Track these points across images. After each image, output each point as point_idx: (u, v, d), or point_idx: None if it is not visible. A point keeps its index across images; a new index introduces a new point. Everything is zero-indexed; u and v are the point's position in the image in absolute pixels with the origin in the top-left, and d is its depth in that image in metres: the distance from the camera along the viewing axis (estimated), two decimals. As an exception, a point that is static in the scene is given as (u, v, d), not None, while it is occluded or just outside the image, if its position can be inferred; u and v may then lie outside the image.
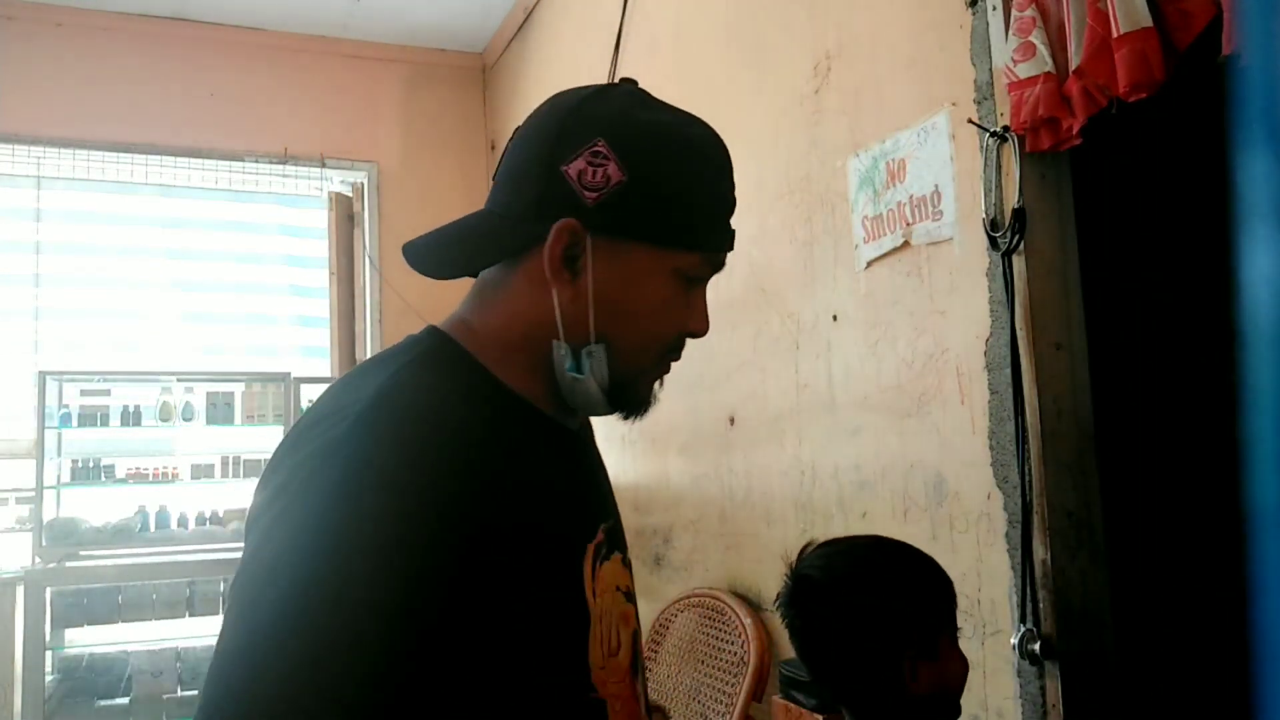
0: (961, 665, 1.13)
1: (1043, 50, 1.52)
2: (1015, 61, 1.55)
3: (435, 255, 0.85)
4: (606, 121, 0.78)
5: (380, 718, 0.62)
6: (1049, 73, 1.51)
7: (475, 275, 0.87)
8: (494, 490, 0.71)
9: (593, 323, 0.78)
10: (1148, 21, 1.34)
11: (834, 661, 1.12)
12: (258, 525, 0.69)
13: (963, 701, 1.75)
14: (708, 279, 0.85)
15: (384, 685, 0.63)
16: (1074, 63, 1.45)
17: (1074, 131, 1.49)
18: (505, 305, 0.82)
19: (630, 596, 0.86)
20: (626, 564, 0.89)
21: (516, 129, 0.83)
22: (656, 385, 0.87)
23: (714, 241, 0.83)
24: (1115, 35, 1.36)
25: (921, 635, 1.09)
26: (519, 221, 0.79)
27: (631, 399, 0.84)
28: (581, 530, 0.80)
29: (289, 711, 0.60)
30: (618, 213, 0.76)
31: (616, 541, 0.87)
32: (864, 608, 1.10)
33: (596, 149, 0.76)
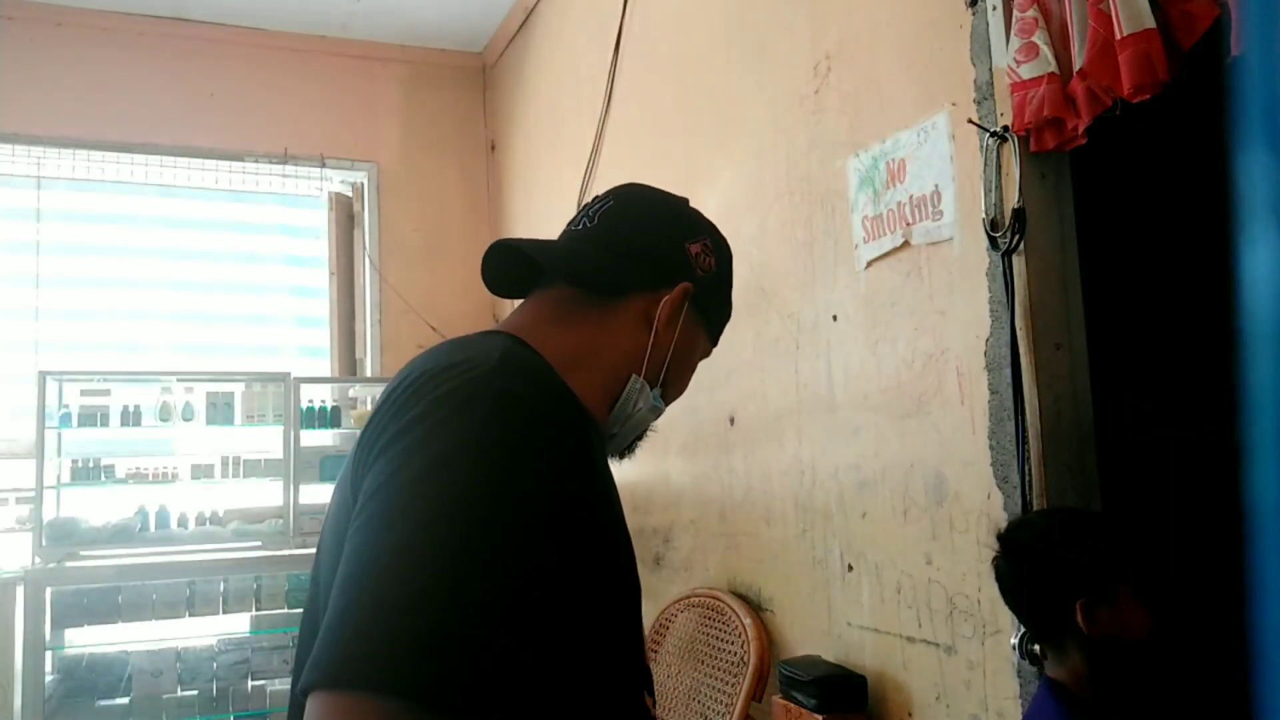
0: (1140, 615, 1.23)
1: (1046, 51, 1.52)
2: (1018, 62, 1.56)
3: (545, 256, 0.95)
4: (710, 227, 1.03)
5: (523, 628, 0.64)
6: (1053, 73, 1.51)
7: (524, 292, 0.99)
8: (597, 457, 0.82)
9: (665, 368, 0.96)
10: (1150, 23, 1.34)
11: (1027, 607, 1.31)
12: (392, 449, 0.70)
13: (962, 701, 1.75)
14: None
15: (527, 597, 0.65)
16: (1078, 63, 1.45)
17: (1079, 131, 1.49)
18: (591, 329, 0.93)
19: None
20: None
21: (610, 198, 0.99)
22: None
23: (718, 338, 1.06)
24: (1118, 37, 1.36)
25: (1095, 582, 1.24)
26: (640, 269, 0.95)
27: (634, 442, 1.02)
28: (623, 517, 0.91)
29: (452, 606, 0.61)
30: (706, 293, 0.99)
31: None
32: (1040, 558, 1.29)
33: (707, 242, 1.00)
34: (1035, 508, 1.58)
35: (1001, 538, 1.36)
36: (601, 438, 0.94)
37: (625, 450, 1.02)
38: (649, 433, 1.02)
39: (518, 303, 1.00)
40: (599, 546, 0.77)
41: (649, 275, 0.95)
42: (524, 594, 0.65)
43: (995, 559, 1.37)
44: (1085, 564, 1.25)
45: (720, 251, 1.02)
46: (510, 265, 0.98)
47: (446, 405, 0.71)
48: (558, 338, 0.91)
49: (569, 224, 1.00)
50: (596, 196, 1.02)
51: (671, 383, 0.98)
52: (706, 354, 1.05)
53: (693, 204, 1.05)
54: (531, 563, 0.66)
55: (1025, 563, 1.30)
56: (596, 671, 0.77)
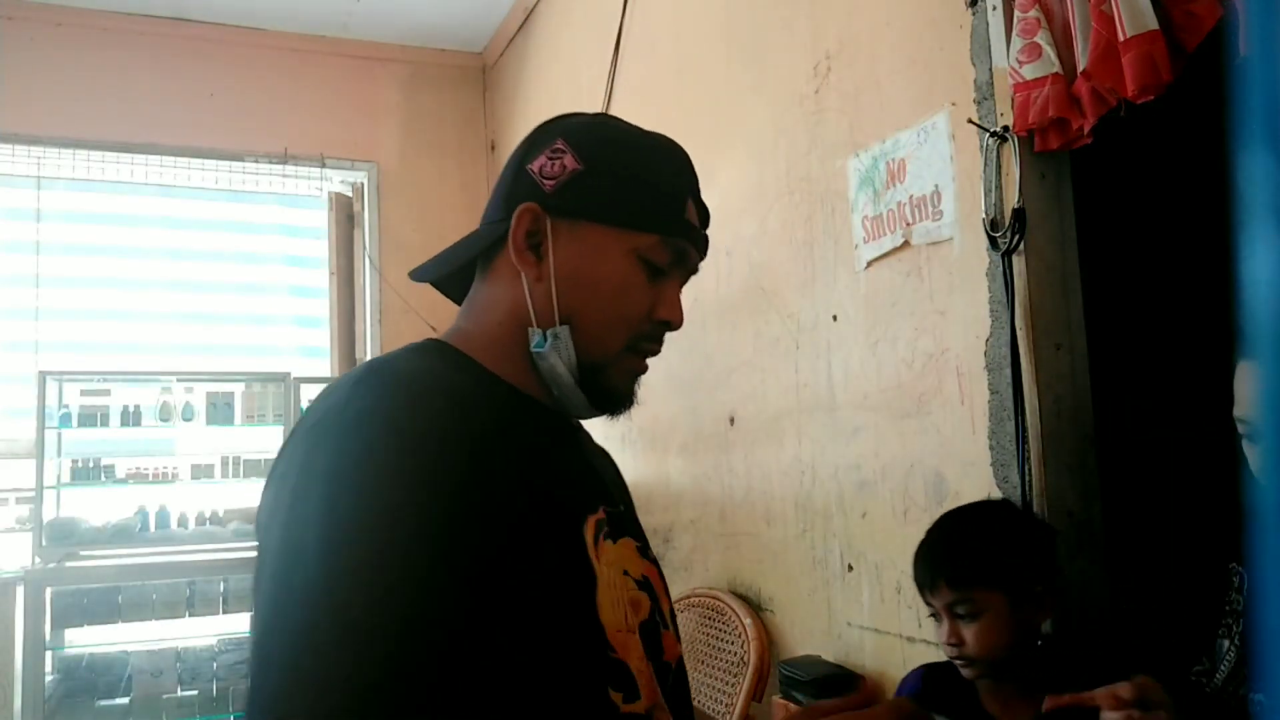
0: (1049, 611, 1.35)
1: (1049, 51, 1.52)
2: (1020, 62, 1.55)
3: (435, 271, 0.94)
4: (568, 126, 0.88)
5: (423, 676, 0.63)
6: (1057, 73, 1.51)
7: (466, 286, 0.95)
8: (491, 448, 0.74)
9: (556, 302, 0.84)
10: (1153, 24, 1.34)
11: (970, 573, 1.30)
12: (275, 519, 0.70)
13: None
14: (676, 272, 0.90)
15: (421, 650, 0.64)
16: (1081, 64, 1.45)
17: (1085, 132, 1.49)
18: (488, 304, 0.88)
19: (644, 585, 0.86)
20: (647, 556, 0.90)
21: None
22: (636, 383, 0.90)
23: (671, 226, 0.87)
24: (1121, 38, 1.36)
25: (1035, 575, 1.33)
26: (491, 222, 0.89)
27: (604, 388, 0.87)
28: (578, 501, 0.82)
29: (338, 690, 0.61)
30: (573, 195, 0.84)
31: (626, 527, 0.87)
32: (1015, 537, 1.35)
33: (556, 147, 0.86)
34: (1035, 508, 1.58)
35: (968, 511, 1.42)
36: (541, 411, 0.86)
37: (608, 402, 0.89)
38: (629, 378, 0.89)
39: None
40: (516, 546, 0.72)
41: (499, 223, 0.87)
42: (415, 645, 0.63)
43: (946, 530, 1.39)
44: (1031, 557, 1.33)
45: (588, 141, 0.86)
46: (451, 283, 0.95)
47: (310, 459, 0.70)
48: (479, 320, 0.88)
49: None
50: None
51: (581, 309, 0.84)
52: (663, 249, 0.87)
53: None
54: (415, 612, 0.64)
55: (1003, 537, 1.34)
56: (539, 676, 0.72)
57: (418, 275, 0.94)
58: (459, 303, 0.94)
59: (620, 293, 0.85)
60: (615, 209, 0.85)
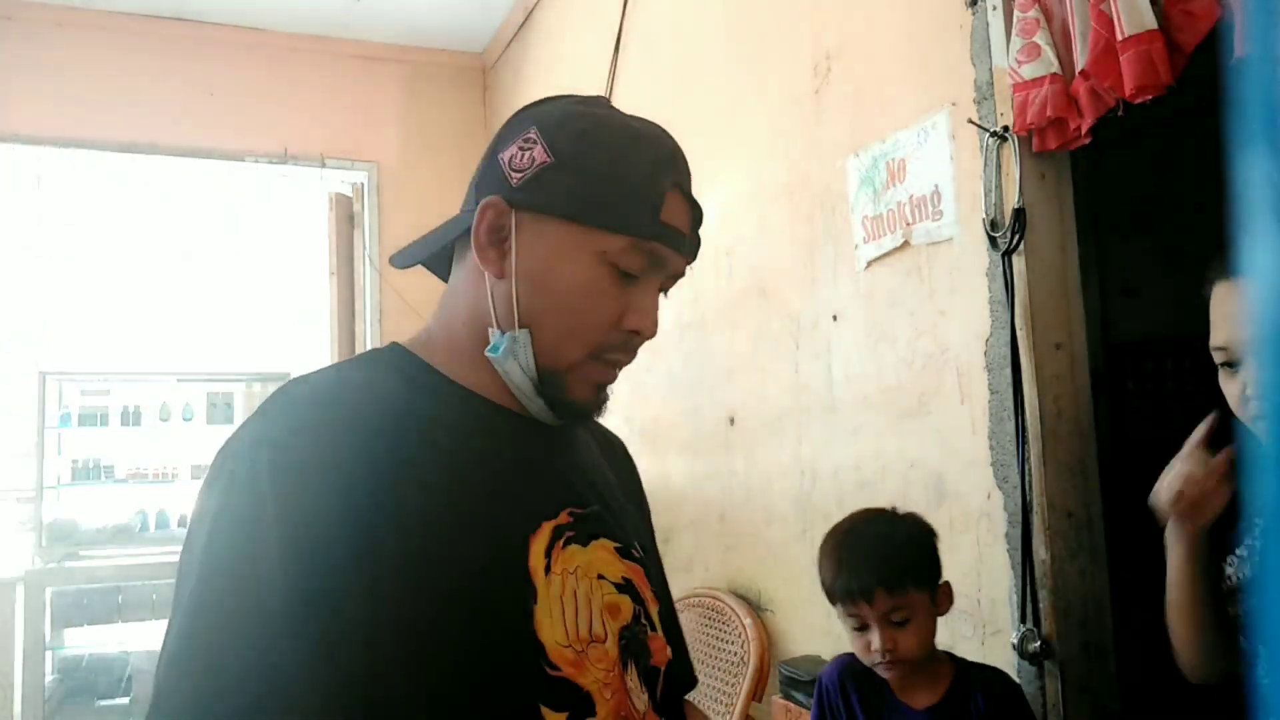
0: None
1: (1048, 51, 1.52)
2: (1020, 62, 1.55)
3: (414, 257, 0.92)
4: (542, 114, 0.82)
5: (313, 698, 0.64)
6: (1055, 73, 1.51)
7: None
8: (383, 471, 0.71)
9: (516, 304, 0.79)
10: (1152, 24, 1.34)
11: (900, 569, 1.33)
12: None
13: (963, 701, 1.75)
14: (652, 277, 0.82)
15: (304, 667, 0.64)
16: (1080, 64, 1.45)
17: (1083, 132, 1.49)
18: (453, 300, 0.85)
19: (624, 588, 0.83)
20: (629, 557, 0.86)
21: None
22: (602, 392, 0.84)
23: (644, 228, 0.79)
24: (1120, 38, 1.36)
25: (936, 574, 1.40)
26: (465, 211, 0.85)
27: (562, 395, 0.81)
28: (528, 506, 0.78)
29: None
30: (539, 190, 0.78)
31: (601, 528, 0.84)
32: (926, 539, 1.40)
33: (528, 136, 0.80)
34: (1035, 508, 1.58)
35: (885, 514, 1.44)
36: (491, 411, 0.81)
37: (567, 410, 0.83)
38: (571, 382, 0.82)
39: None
40: (402, 574, 0.68)
41: (468, 215, 0.82)
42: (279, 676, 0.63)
43: (868, 524, 1.42)
44: (935, 555, 1.40)
45: (562, 132, 0.79)
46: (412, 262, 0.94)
47: (204, 479, 0.76)
48: (443, 321, 0.86)
49: None
50: None
51: (541, 312, 0.79)
52: (631, 253, 0.79)
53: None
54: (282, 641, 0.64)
55: (929, 535, 1.40)
56: (447, 703, 0.69)
57: (398, 261, 0.92)
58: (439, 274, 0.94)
59: (584, 297, 0.78)
60: (583, 207, 0.78)
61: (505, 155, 0.81)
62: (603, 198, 0.78)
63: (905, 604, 1.31)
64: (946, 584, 1.39)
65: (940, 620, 1.41)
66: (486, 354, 0.80)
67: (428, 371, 0.82)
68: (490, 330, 0.80)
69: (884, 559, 1.33)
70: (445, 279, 0.90)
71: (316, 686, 0.64)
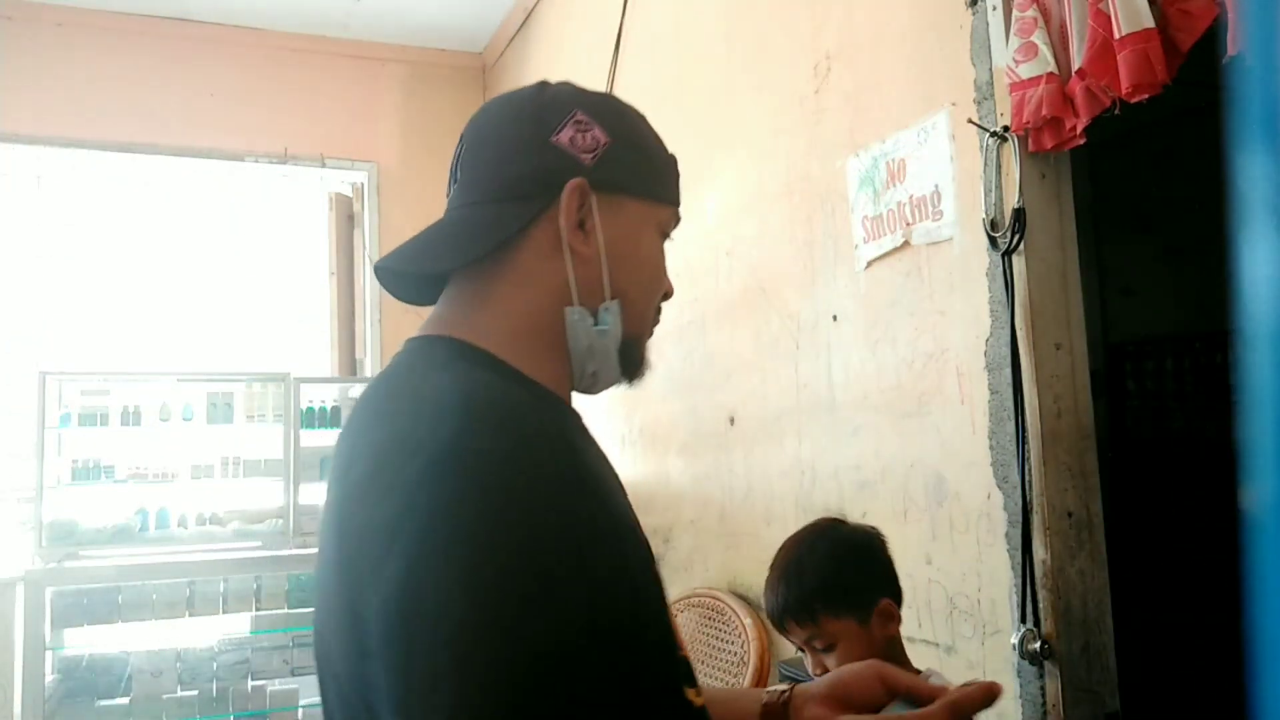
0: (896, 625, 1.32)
1: (1045, 51, 1.52)
2: (1017, 62, 1.56)
3: (416, 263, 0.84)
4: (573, 97, 0.83)
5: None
6: (1052, 73, 1.51)
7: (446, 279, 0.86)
8: (591, 468, 0.72)
9: (607, 280, 0.81)
10: (1150, 23, 1.34)
11: (844, 588, 1.27)
12: (389, 569, 0.61)
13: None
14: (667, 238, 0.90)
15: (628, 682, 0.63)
16: (1076, 63, 1.45)
17: (1078, 131, 1.49)
18: (507, 292, 0.80)
19: None
20: None
21: (461, 142, 0.85)
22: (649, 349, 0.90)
23: (677, 196, 0.88)
24: (1117, 36, 1.36)
25: (893, 589, 1.30)
26: (516, 202, 0.80)
27: (637, 360, 0.86)
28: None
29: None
30: (613, 169, 0.81)
31: None
32: (875, 553, 1.32)
33: (578, 118, 0.81)
34: (1035, 508, 1.58)
35: (831, 529, 1.36)
36: (575, 415, 0.81)
37: (625, 376, 0.86)
38: (643, 349, 0.86)
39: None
40: (628, 559, 0.69)
41: (531, 200, 0.79)
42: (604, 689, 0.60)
43: (815, 539, 1.34)
44: (890, 573, 1.32)
45: (604, 112, 0.82)
46: (409, 280, 0.86)
47: (429, 506, 0.62)
48: (491, 313, 0.80)
49: (447, 193, 0.86)
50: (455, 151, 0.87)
51: (627, 285, 0.82)
52: (674, 221, 0.87)
53: (693, 203, 0.96)
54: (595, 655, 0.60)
55: (862, 553, 1.31)
56: (645, 682, 0.68)
57: (393, 286, 0.87)
58: (414, 300, 0.88)
59: (653, 267, 0.85)
60: (645, 182, 0.84)
61: (562, 138, 0.80)
62: (655, 172, 0.85)
63: (821, 632, 1.24)
64: (887, 603, 1.27)
65: (940, 620, 1.40)
66: (591, 329, 0.80)
67: (516, 373, 0.78)
68: (568, 310, 0.80)
69: (790, 587, 1.28)
70: (425, 300, 0.88)
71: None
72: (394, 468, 0.65)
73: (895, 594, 1.30)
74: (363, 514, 0.67)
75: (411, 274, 0.85)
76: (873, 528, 1.35)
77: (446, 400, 0.69)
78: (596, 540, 0.65)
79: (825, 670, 1.25)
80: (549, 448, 0.67)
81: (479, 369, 0.75)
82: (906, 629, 1.88)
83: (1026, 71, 1.54)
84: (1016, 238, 1.60)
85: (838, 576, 1.27)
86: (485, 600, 0.58)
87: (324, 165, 4.36)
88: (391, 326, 4.32)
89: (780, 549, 1.35)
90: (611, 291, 0.81)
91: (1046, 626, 1.57)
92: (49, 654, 3.21)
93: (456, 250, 0.80)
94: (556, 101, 0.82)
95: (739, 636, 2.33)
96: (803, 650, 1.29)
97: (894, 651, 1.28)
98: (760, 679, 2.21)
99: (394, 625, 0.60)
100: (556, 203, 0.79)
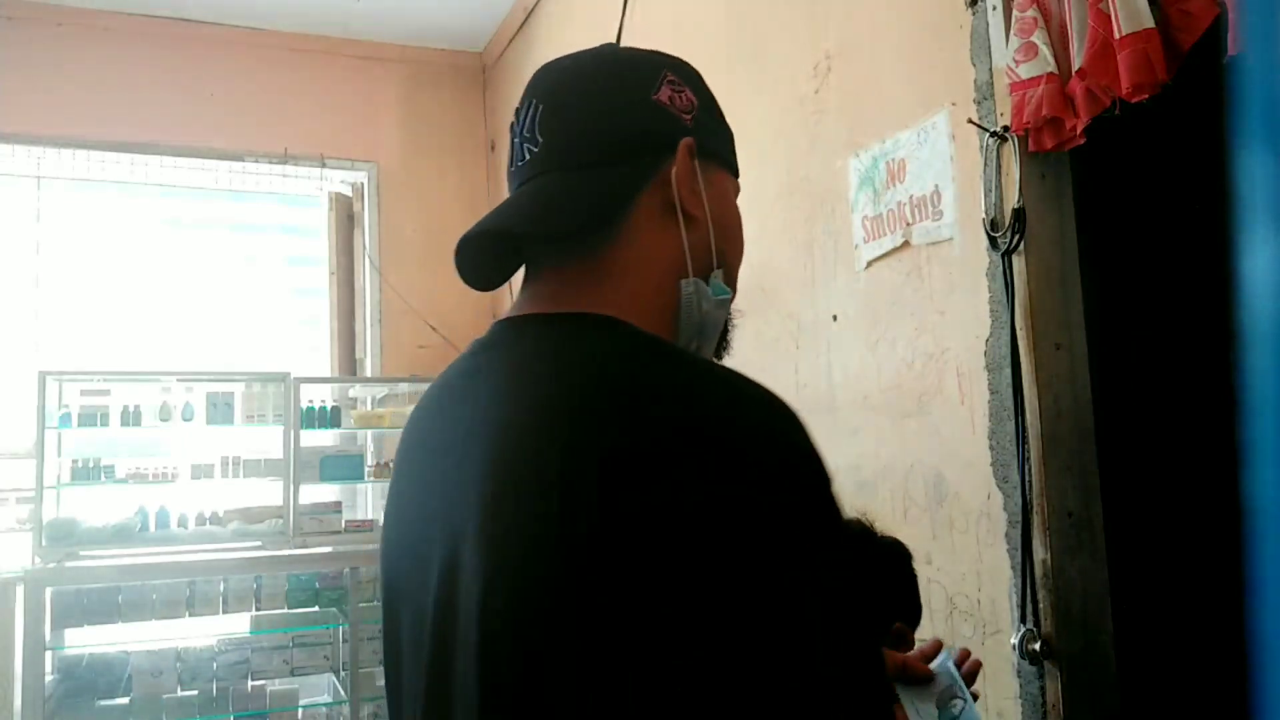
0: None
1: (1045, 51, 1.52)
2: (1017, 62, 1.56)
3: (539, 224, 0.74)
4: (658, 56, 0.78)
5: None
6: (1052, 73, 1.51)
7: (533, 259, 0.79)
8: None
9: (714, 245, 0.76)
10: (1150, 22, 1.35)
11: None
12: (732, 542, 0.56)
13: (963, 701, 1.75)
14: None
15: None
16: (1076, 63, 1.45)
17: (1077, 131, 1.49)
18: (626, 264, 0.73)
19: None
20: None
21: (531, 103, 0.78)
22: None
23: (738, 167, 0.84)
24: (1117, 36, 1.37)
25: (911, 613, 1.29)
26: (624, 164, 0.73)
27: (728, 334, 0.82)
28: None
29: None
30: (704, 133, 0.76)
31: None
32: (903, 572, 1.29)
33: (670, 78, 0.76)
34: (1035, 508, 1.58)
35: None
36: None
37: (727, 345, 0.83)
38: (733, 322, 0.82)
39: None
40: None
41: (639, 165, 0.74)
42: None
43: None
44: (910, 595, 1.29)
45: (688, 74, 0.79)
46: (486, 254, 0.79)
47: (752, 475, 0.59)
48: (619, 298, 0.72)
49: (511, 162, 0.78)
50: (517, 108, 0.80)
51: (728, 252, 0.78)
52: (738, 191, 0.82)
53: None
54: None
55: (881, 573, 1.28)
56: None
57: (476, 277, 0.79)
58: (484, 281, 0.79)
59: (742, 234, 0.81)
60: (726, 148, 0.80)
61: (662, 96, 0.75)
62: (730, 140, 0.81)
63: None
64: (899, 627, 1.23)
65: (940, 620, 1.40)
66: (713, 297, 0.76)
67: None
68: (683, 281, 0.74)
69: None
70: (503, 278, 0.81)
71: None
72: (673, 460, 0.57)
73: (912, 616, 1.26)
74: (651, 493, 0.57)
75: (495, 246, 0.78)
76: (898, 543, 1.32)
77: (704, 375, 0.65)
78: None
79: None
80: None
81: (662, 344, 0.70)
82: (906, 629, 1.88)
83: (1026, 71, 1.54)
84: (1016, 238, 1.60)
85: None
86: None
87: (324, 165, 4.36)
88: (391, 326, 4.33)
89: None
90: (716, 259, 0.76)
91: (1046, 626, 1.57)
92: (49, 654, 3.21)
93: (573, 215, 0.72)
94: (646, 60, 0.77)
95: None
96: None
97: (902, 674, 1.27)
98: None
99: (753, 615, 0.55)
100: (663, 165, 0.73)
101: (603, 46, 0.81)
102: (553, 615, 0.57)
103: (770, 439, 0.62)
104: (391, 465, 0.80)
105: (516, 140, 0.77)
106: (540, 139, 0.75)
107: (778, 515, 0.58)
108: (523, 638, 0.58)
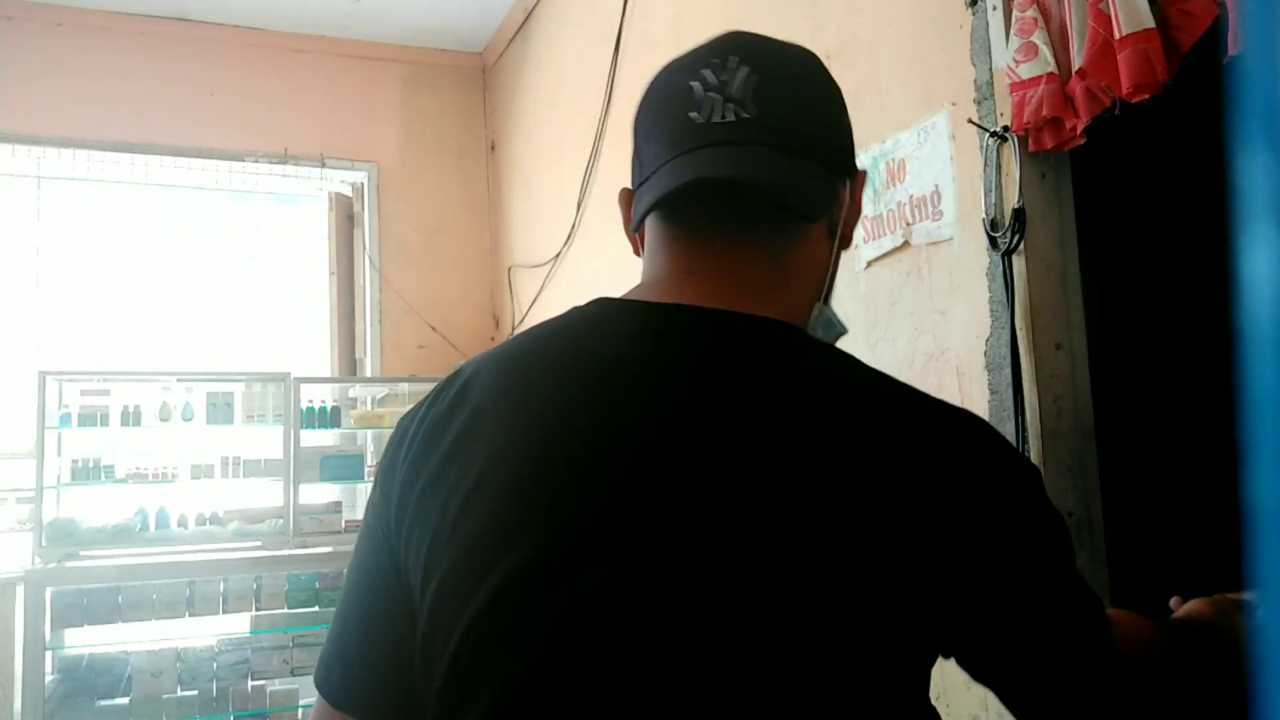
0: None
1: (1045, 51, 1.52)
2: (1017, 62, 1.56)
3: (791, 193, 0.71)
4: (830, 80, 0.80)
5: None
6: (1052, 73, 1.51)
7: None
8: None
9: (829, 279, 0.79)
10: (1150, 22, 1.35)
11: None
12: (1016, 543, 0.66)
13: (963, 701, 1.75)
14: None
15: None
16: (1077, 63, 1.45)
17: (1078, 131, 1.49)
18: (797, 275, 0.74)
19: None
20: None
21: (740, 59, 0.75)
22: None
23: None
24: (1118, 36, 1.37)
25: None
26: (836, 177, 0.76)
27: None
28: None
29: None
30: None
31: None
32: None
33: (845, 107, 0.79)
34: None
35: None
36: None
37: None
38: None
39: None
40: None
41: (837, 179, 0.76)
42: None
43: None
44: None
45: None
46: (706, 202, 0.73)
47: (1009, 487, 0.68)
48: (786, 303, 0.73)
49: (695, 110, 0.72)
50: (710, 60, 0.75)
51: (832, 286, 0.80)
52: None
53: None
54: None
55: None
56: None
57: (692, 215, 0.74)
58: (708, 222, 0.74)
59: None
60: None
61: (848, 120, 0.79)
62: None
63: None
64: None
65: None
66: (840, 331, 0.79)
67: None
68: (820, 306, 0.77)
69: None
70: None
71: None
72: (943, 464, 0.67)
73: None
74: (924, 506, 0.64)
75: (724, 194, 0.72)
76: None
77: (892, 391, 0.74)
78: None
79: None
80: None
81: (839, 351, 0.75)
82: (906, 629, 1.88)
83: (1027, 71, 1.54)
84: (1016, 238, 1.60)
85: None
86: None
87: (324, 165, 4.36)
88: (391, 326, 4.32)
89: None
90: (827, 290, 0.79)
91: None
92: (49, 654, 3.21)
93: (797, 204, 0.71)
94: (823, 77, 0.79)
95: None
96: None
97: None
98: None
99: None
100: (842, 186, 0.77)
101: (801, 47, 0.81)
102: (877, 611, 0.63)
103: (1025, 468, 0.73)
104: (476, 413, 0.71)
105: (712, 95, 0.72)
106: (755, 108, 0.71)
107: (1042, 513, 0.69)
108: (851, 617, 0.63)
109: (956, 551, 0.63)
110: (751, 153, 0.70)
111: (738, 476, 0.63)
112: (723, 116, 0.71)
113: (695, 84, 0.73)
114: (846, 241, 0.79)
